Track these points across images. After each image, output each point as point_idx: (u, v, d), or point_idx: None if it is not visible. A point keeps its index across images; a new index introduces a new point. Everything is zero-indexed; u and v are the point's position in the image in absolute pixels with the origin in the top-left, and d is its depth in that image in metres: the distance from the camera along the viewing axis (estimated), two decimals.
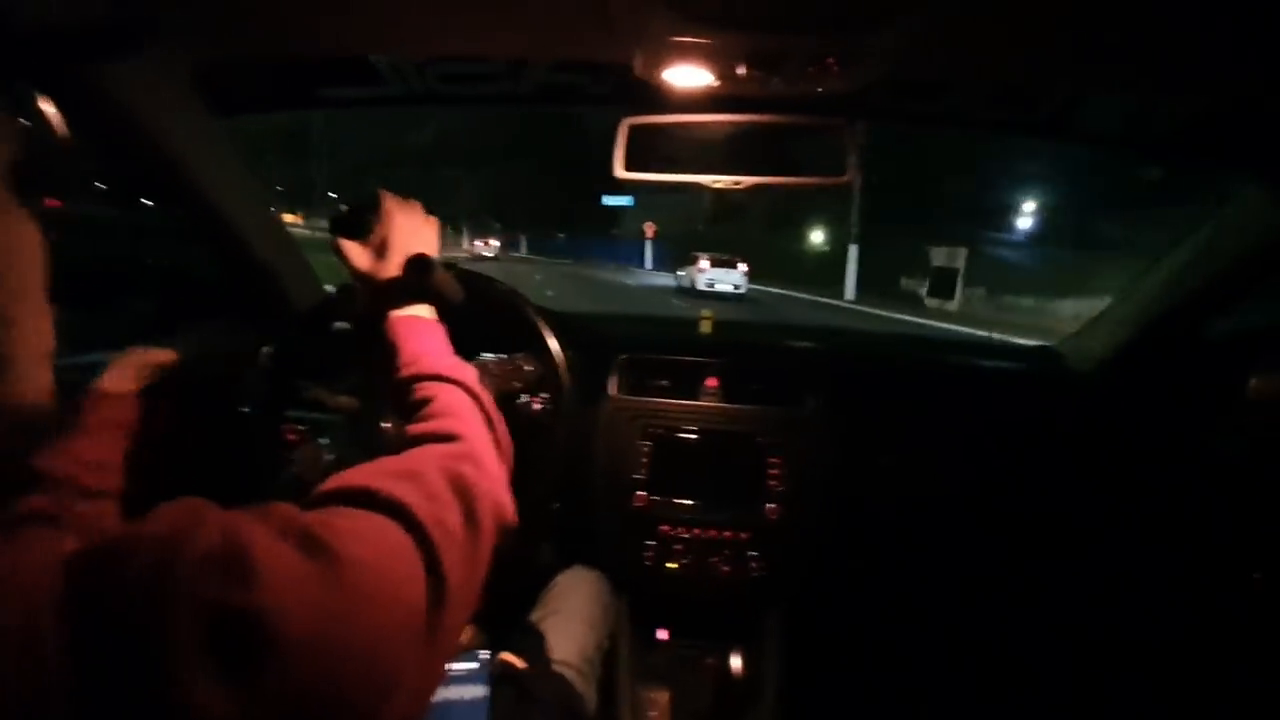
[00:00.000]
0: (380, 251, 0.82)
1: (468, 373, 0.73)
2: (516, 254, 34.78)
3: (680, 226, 24.64)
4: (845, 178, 0.97)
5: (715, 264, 16.10)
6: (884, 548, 1.49)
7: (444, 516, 0.48)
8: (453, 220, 40.12)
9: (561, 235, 34.03)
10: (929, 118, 1.11)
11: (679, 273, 18.18)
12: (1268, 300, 1.35)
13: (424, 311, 0.82)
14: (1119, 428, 1.46)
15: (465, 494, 0.52)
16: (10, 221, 0.42)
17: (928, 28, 0.73)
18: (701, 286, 15.75)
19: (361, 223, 0.84)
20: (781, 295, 17.70)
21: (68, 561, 0.34)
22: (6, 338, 0.41)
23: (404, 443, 0.61)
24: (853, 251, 16.96)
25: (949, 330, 10.28)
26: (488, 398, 0.72)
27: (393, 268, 0.81)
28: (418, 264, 0.82)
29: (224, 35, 0.90)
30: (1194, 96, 0.96)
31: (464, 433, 0.62)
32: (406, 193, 0.86)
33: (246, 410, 1.21)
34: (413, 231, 0.84)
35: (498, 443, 0.68)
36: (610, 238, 32.61)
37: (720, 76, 0.83)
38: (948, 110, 1.08)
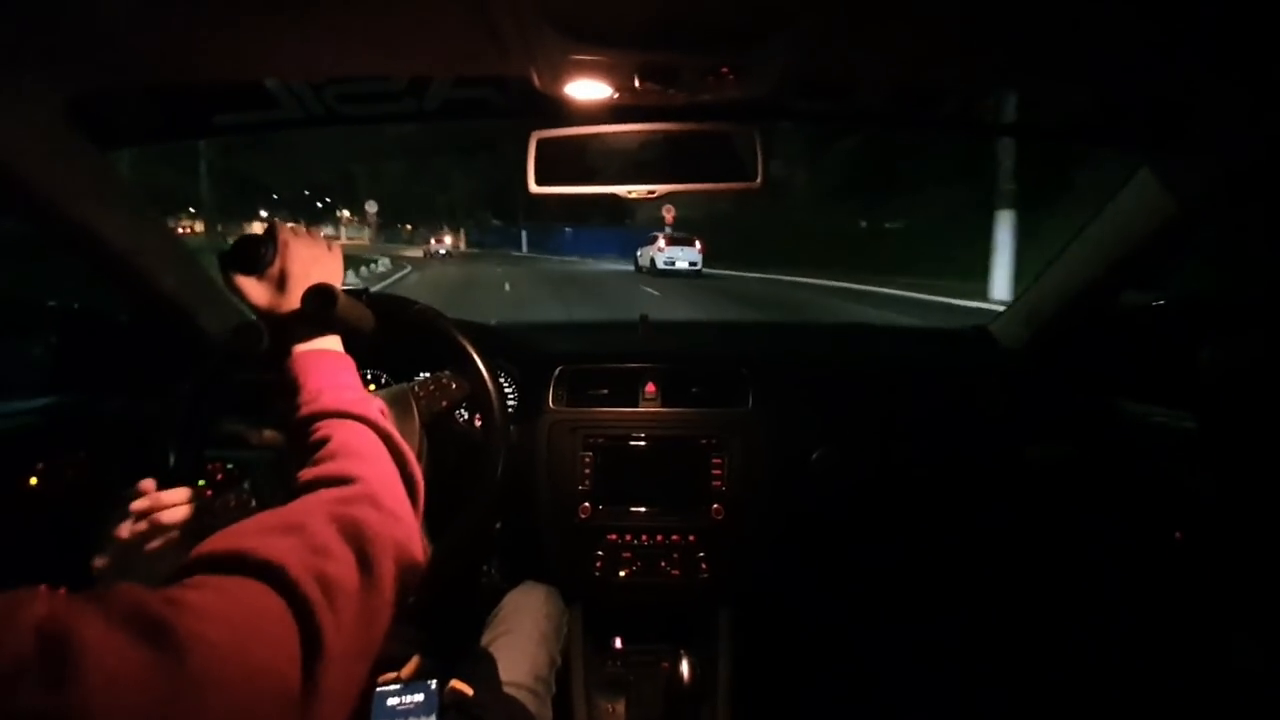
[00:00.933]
0: (280, 284, 0.79)
1: (372, 406, 0.70)
2: (517, 252, 30.46)
3: (704, 208, 20.99)
4: (757, 182, 0.97)
5: (671, 243, 16.56)
6: (829, 541, 1.52)
7: (327, 570, 0.46)
8: (449, 215, 37.46)
9: (568, 230, 28.77)
10: (837, 117, 1.13)
11: (638, 253, 18.25)
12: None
13: (330, 344, 0.79)
14: (1046, 402, 1.52)
15: (359, 540, 0.50)
16: None
17: (816, 34, 0.73)
18: (661, 265, 16.28)
19: (256, 255, 0.81)
20: (864, 294, 11.84)
21: None
22: None
23: (297, 489, 0.58)
24: (1004, 225, 10.14)
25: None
26: (396, 432, 0.69)
27: (294, 300, 0.78)
28: (319, 294, 0.78)
29: (98, 66, 0.85)
30: (1085, 87, 0.99)
31: (361, 473, 0.59)
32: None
33: (164, 451, 1.16)
34: (313, 260, 0.82)
35: (409, 479, 0.66)
36: (624, 227, 27.16)
37: (619, 90, 0.82)
38: (854, 110, 1.10)
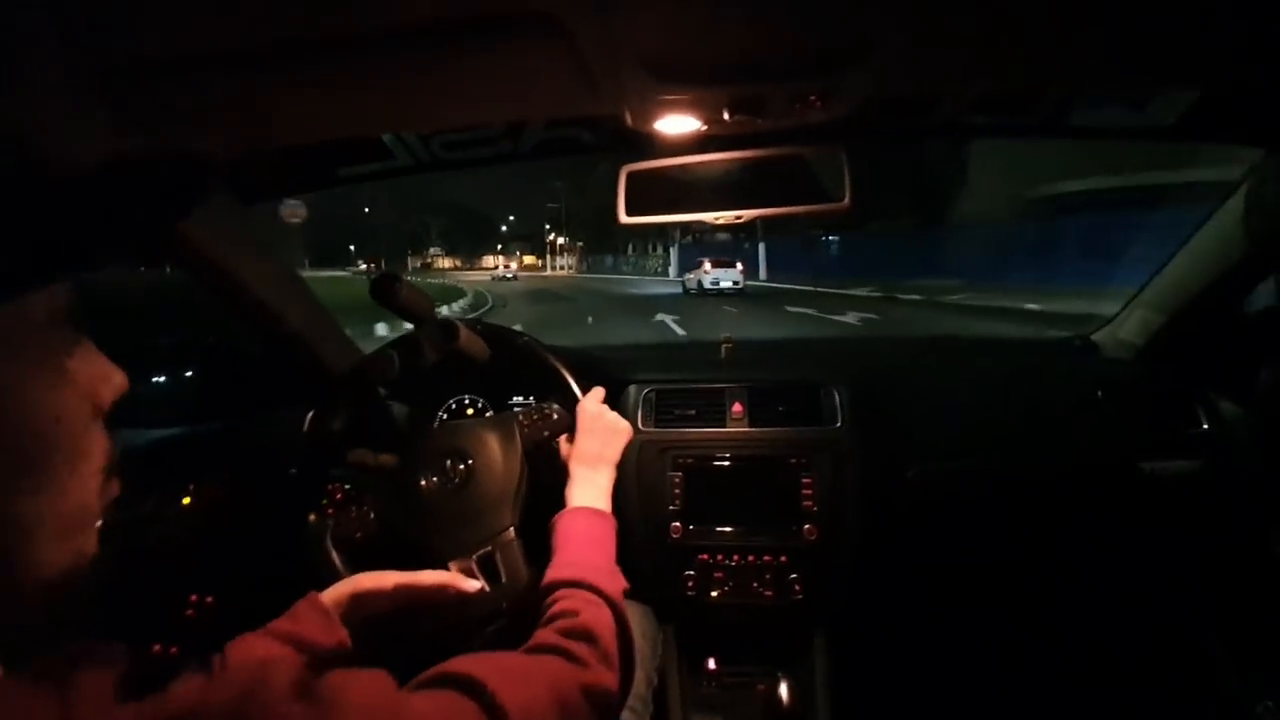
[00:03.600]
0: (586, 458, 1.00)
1: (618, 585, 0.82)
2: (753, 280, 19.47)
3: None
4: (845, 203, 0.98)
5: (716, 265, 17.91)
6: (926, 560, 1.47)
7: (532, 709, 0.54)
8: (658, 232, 31.90)
9: (831, 238, 18.14)
10: (925, 130, 1.12)
11: (685, 277, 19.36)
12: None
13: (599, 498, 0.95)
14: (1164, 414, 1.42)
15: (567, 713, 0.58)
16: (59, 382, 0.44)
17: (904, 52, 0.74)
18: (707, 286, 17.44)
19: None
20: None
21: None
22: (48, 501, 0.42)
23: (531, 646, 0.67)
24: None
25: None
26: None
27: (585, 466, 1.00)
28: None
29: (242, 132, 0.96)
30: (1189, 84, 0.95)
31: (592, 661, 0.66)
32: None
33: (293, 473, 1.27)
34: (615, 434, 1.05)
35: (625, 665, 0.72)
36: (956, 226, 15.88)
37: (708, 122, 0.85)
38: (943, 122, 1.08)
